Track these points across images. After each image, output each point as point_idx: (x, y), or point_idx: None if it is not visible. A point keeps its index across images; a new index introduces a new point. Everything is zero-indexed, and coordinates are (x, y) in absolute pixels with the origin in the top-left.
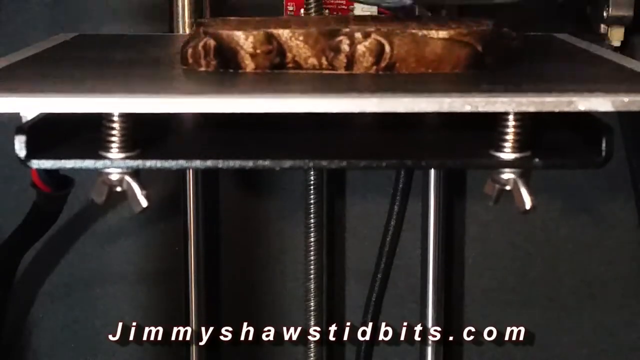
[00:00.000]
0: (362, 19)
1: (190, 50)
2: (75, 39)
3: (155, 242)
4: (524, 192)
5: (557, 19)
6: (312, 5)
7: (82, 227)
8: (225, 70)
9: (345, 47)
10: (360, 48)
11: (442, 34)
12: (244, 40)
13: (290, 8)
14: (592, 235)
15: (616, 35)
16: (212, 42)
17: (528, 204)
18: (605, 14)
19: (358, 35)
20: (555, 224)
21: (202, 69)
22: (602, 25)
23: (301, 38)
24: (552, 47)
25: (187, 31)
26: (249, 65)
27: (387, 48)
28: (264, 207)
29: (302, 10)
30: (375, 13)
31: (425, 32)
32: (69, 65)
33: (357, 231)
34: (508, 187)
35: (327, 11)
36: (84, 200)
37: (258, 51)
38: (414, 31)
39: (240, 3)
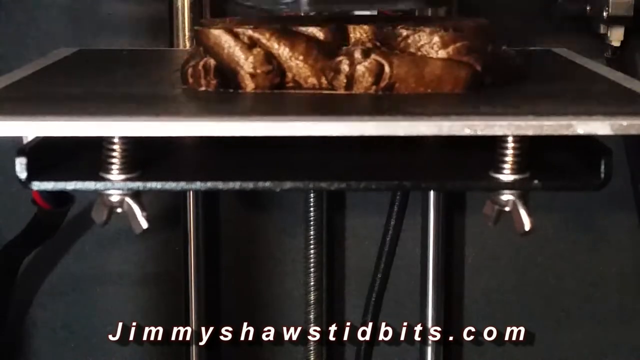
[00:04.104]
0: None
1: (190, 70)
2: (75, 54)
3: (155, 243)
4: (523, 213)
5: (556, 18)
6: None
7: (82, 227)
8: (226, 90)
9: (345, 67)
10: (360, 68)
11: (442, 54)
12: (244, 60)
13: None
14: (592, 236)
15: (616, 35)
16: (212, 62)
17: (527, 226)
18: (605, 14)
19: (358, 55)
20: (555, 225)
21: (202, 88)
22: (602, 25)
23: (301, 58)
24: (550, 63)
25: (187, 45)
26: (249, 85)
27: (387, 68)
28: (264, 208)
29: None
30: (375, 13)
31: (424, 52)
32: (70, 85)
33: (357, 231)
34: (507, 208)
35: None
36: (85, 202)
37: (258, 71)
38: (413, 51)
39: (241, 6)
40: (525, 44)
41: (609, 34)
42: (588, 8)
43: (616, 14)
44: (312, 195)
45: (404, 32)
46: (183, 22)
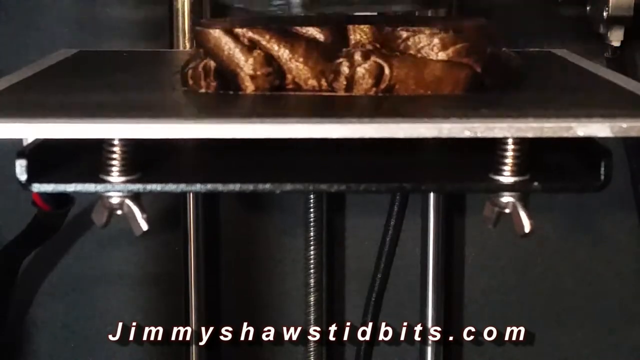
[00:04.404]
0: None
1: (190, 72)
2: (76, 55)
3: (155, 243)
4: (523, 215)
5: (556, 19)
6: None
7: (82, 228)
8: (225, 92)
9: (344, 69)
10: (360, 70)
11: (442, 55)
12: (244, 62)
13: None
14: (592, 236)
15: (616, 35)
16: (212, 64)
17: (527, 228)
18: (605, 14)
19: (358, 57)
20: (555, 225)
21: (202, 90)
22: (602, 25)
23: (301, 59)
24: (550, 65)
25: (187, 46)
26: (249, 86)
27: (387, 70)
28: (264, 209)
29: None
30: (375, 13)
31: (424, 53)
32: (70, 87)
33: (357, 231)
34: (507, 210)
35: None
36: (85, 202)
37: (258, 73)
38: (413, 53)
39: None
40: (525, 44)
41: (609, 34)
42: (588, 8)
43: (616, 14)
44: (312, 196)
45: (404, 34)
46: (183, 24)
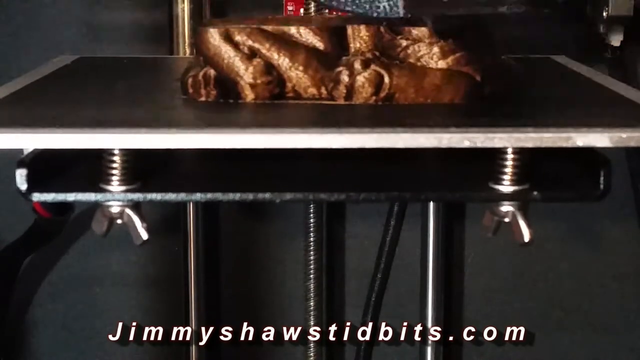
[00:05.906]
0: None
1: (190, 80)
2: (75, 62)
3: (155, 243)
4: (522, 225)
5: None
6: (312, 5)
7: (82, 227)
8: (226, 101)
9: (344, 77)
10: (360, 79)
11: (441, 64)
12: (244, 70)
13: (290, 8)
14: (592, 236)
15: (616, 35)
16: (212, 72)
17: (527, 237)
18: (605, 14)
19: (357, 66)
20: (555, 225)
21: (202, 98)
22: (602, 25)
23: (301, 68)
24: (550, 72)
25: (187, 52)
26: (249, 95)
27: (387, 79)
28: (264, 211)
29: (302, 10)
30: None
31: (424, 62)
32: (70, 96)
33: (357, 231)
34: (507, 220)
35: (326, 10)
36: (85, 203)
37: (258, 81)
38: (412, 61)
39: (241, 7)
40: (524, 45)
41: (609, 34)
42: (588, 8)
43: (616, 14)
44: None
45: (404, 43)
46: (183, 29)
